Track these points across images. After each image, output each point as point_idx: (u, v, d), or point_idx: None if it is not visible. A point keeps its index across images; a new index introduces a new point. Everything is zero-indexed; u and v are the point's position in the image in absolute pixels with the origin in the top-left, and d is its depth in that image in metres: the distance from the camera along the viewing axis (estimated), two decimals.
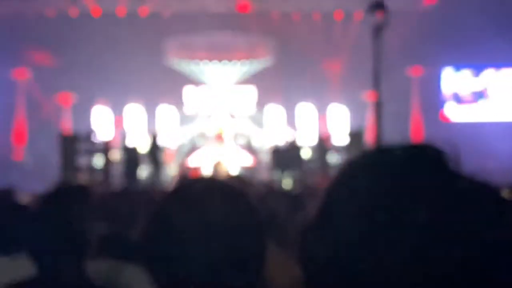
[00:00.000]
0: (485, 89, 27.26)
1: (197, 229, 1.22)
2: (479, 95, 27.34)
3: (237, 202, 1.30)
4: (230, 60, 27.65)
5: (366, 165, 0.84)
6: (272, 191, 7.96)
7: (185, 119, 27.07)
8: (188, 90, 27.80)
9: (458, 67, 26.89)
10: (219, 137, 23.37)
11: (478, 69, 26.94)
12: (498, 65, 26.55)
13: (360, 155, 0.87)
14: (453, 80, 27.19)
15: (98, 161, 17.72)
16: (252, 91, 27.91)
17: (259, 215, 1.32)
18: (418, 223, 0.75)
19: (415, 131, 24.86)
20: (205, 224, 1.23)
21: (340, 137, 19.95)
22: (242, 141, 24.01)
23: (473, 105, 27.20)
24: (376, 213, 0.77)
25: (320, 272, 0.80)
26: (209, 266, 1.21)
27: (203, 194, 1.29)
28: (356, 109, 25.18)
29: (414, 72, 25.55)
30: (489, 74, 27.22)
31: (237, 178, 9.31)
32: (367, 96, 21.96)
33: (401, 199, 0.77)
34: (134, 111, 27.55)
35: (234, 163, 21.13)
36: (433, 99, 26.45)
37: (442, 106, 27.16)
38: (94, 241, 3.34)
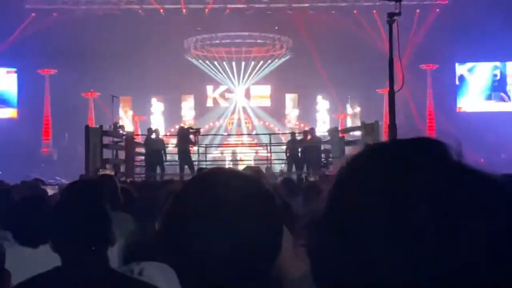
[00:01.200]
0: (499, 81, 27.51)
1: (215, 216, 1.23)
2: (493, 88, 27.60)
3: (254, 190, 1.30)
4: (248, 57, 28.12)
5: (370, 160, 0.83)
6: (286, 180, 7.96)
7: (205, 113, 27.56)
8: (208, 87, 28.34)
9: (471, 61, 27.17)
10: (237, 131, 23.81)
11: (491, 64, 27.23)
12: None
13: (364, 150, 0.86)
14: (467, 73, 27.49)
15: (122, 153, 18.19)
16: (267, 88, 28.40)
17: (276, 203, 1.32)
18: (423, 218, 0.75)
19: (430, 121, 25.11)
20: (223, 211, 1.23)
21: (356, 129, 20.19)
22: (258, 134, 24.34)
23: (487, 96, 27.48)
24: (381, 207, 0.77)
25: (326, 265, 0.80)
26: (228, 251, 1.21)
27: (220, 183, 1.29)
28: (373, 103, 25.40)
29: (429, 66, 25.83)
30: (504, 68, 27.47)
31: (253, 168, 9.18)
32: (383, 90, 22.26)
33: (405, 193, 0.77)
34: (156, 106, 28.17)
35: (251, 155, 21.52)
36: (447, 91, 26.65)
37: (456, 98, 27.49)
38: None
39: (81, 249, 2.25)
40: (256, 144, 21.76)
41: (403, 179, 0.78)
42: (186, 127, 19.68)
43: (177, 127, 22.70)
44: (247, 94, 28.59)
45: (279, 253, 1.29)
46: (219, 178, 1.33)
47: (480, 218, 0.75)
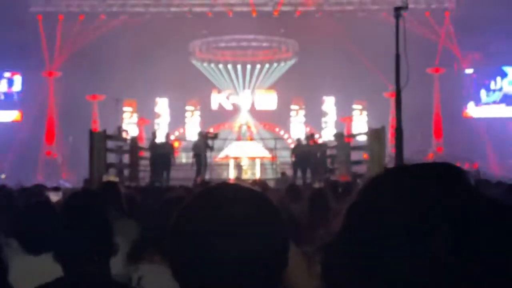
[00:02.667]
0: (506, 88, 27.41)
1: (221, 230, 1.23)
2: (501, 93, 27.48)
3: (260, 205, 1.30)
4: (254, 61, 28.08)
5: (388, 184, 0.83)
6: (291, 187, 7.81)
7: (210, 117, 27.50)
8: (213, 90, 28.30)
9: (480, 67, 27.08)
10: (242, 135, 23.73)
11: (499, 69, 27.10)
12: None
13: (381, 174, 0.87)
14: (475, 78, 27.38)
15: (126, 157, 18.14)
16: (273, 93, 28.31)
17: (282, 217, 1.32)
18: (440, 243, 0.75)
19: (437, 127, 25.03)
20: (229, 226, 1.23)
21: (363, 134, 20.15)
22: (264, 138, 24.29)
23: (495, 102, 27.36)
24: (397, 231, 0.77)
25: (342, 285, 0.81)
26: (233, 266, 1.21)
27: (227, 197, 1.29)
28: (379, 106, 25.34)
29: (437, 70, 25.74)
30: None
31: (259, 182, 9.13)
32: (389, 94, 22.17)
33: (423, 218, 0.77)
34: (161, 109, 28.11)
35: (256, 159, 21.44)
36: (455, 97, 26.56)
37: (464, 103, 27.38)
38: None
39: (83, 260, 2.25)
40: (262, 157, 21.60)
41: (423, 204, 0.79)
42: (204, 132, 19.64)
43: (181, 131, 22.67)
44: (253, 98, 28.52)
45: (286, 267, 1.29)
46: (225, 192, 1.32)
47: (495, 245, 0.76)
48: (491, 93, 27.52)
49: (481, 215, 0.78)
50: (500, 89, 27.41)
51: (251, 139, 23.27)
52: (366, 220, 0.82)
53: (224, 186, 1.37)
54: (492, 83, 27.44)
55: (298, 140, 19.74)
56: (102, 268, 2.28)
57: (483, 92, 27.51)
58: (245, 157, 21.03)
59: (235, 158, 21.51)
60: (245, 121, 26.53)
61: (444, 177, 0.82)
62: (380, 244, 0.78)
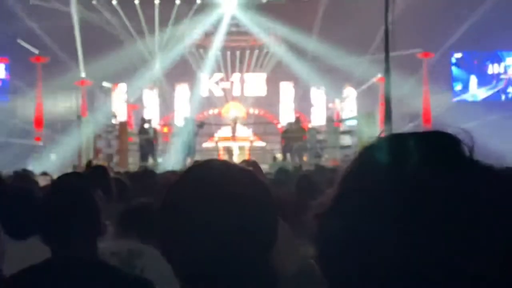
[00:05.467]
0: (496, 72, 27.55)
1: (210, 207, 1.22)
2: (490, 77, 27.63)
3: (248, 181, 1.29)
4: (243, 46, 27.97)
5: (382, 153, 0.82)
6: (280, 171, 8.01)
7: (200, 103, 27.41)
8: (202, 75, 28.19)
9: (469, 51, 27.18)
10: (232, 120, 23.71)
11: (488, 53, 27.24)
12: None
13: (375, 142, 0.85)
14: (463, 63, 27.50)
15: (115, 142, 18.11)
16: (263, 76, 28.27)
17: (270, 194, 1.32)
18: (434, 213, 0.74)
19: (425, 110, 25.06)
20: (218, 202, 1.23)
21: (352, 118, 20.19)
22: (254, 123, 24.33)
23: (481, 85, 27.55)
24: (391, 201, 0.76)
25: (334, 257, 0.80)
26: (223, 241, 1.21)
27: (215, 173, 1.29)
28: (369, 91, 25.37)
29: (425, 54, 25.75)
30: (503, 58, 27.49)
31: (250, 161, 9.25)
32: (379, 79, 22.17)
33: (417, 187, 0.76)
34: (150, 94, 27.99)
35: (245, 144, 21.44)
36: (443, 81, 26.63)
37: (452, 87, 27.51)
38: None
39: (70, 241, 2.24)
40: (251, 140, 21.59)
41: (416, 174, 0.77)
42: (191, 118, 19.65)
43: (171, 116, 22.60)
44: (242, 83, 28.45)
45: (274, 243, 1.29)
46: (213, 169, 1.33)
47: (493, 216, 0.74)
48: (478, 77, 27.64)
49: (478, 185, 0.76)
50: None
51: (241, 124, 23.26)
52: (357, 190, 0.80)
53: (212, 162, 1.38)
54: (481, 66, 27.56)
55: (288, 124, 19.77)
56: (90, 248, 2.27)
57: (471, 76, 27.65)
58: (235, 142, 21.03)
59: (225, 142, 21.52)
60: (234, 106, 26.50)
61: (439, 146, 0.80)
62: (370, 215, 0.77)
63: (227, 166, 1.35)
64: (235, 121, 21.66)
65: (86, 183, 2.69)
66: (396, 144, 0.83)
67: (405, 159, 0.79)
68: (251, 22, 26.45)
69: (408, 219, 0.74)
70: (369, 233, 0.76)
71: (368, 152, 0.84)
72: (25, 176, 6.90)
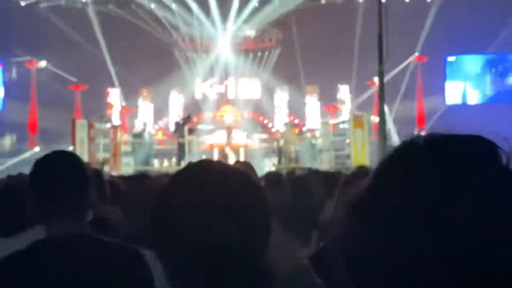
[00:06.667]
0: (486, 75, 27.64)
1: (204, 207, 1.22)
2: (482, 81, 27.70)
3: (242, 181, 1.30)
4: (239, 50, 27.97)
5: (416, 154, 0.80)
6: (273, 174, 7.95)
7: (194, 106, 27.38)
8: (197, 79, 28.17)
9: (461, 54, 27.26)
10: (227, 123, 23.71)
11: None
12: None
13: (408, 142, 0.83)
14: (455, 66, 27.58)
15: (110, 145, 18.09)
16: (257, 81, 28.27)
17: (264, 194, 1.33)
18: (468, 218, 0.73)
19: (420, 113, 25.15)
20: (212, 202, 1.23)
21: (346, 120, 20.23)
22: (248, 126, 24.31)
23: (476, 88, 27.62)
24: (425, 205, 0.75)
25: (364, 265, 0.79)
26: (217, 242, 1.21)
27: (209, 174, 1.29)
28: (362, 93, 25.45)
29: (419, 58, 25.83)
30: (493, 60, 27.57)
31: (244, 163, 9.18)
32: (373, 81, 22.23)
33: (451, 191, 0.74)
34: (144, 98, 27.94)
35: (241, 146, 21.40)
36: (437, 84, 26.70)
37: (445, 90, 27.59)
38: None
39: (61, 219, 2.19)
40: (246, 145, 21.58)
41: (452, 179, 0.76)
42: (182, 121, 19.67)
43: (165, 120, 22.56)
44: (236, 87, 28.46)
45: (268, 243, 1.29)
46: (207, 169, 1.32)
47: None
48: (473, 80, 27.70)
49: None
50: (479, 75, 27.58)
51: (235, 128, 23.27)
52: (389, 192, 0.78)
53: (206, 163, 1.37)
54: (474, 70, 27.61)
55: (282, 128, 19.79)
56: (81, 224, 2.23)
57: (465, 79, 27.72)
58: (229, 146, 21.02)
59: (220, 147, 21.51)
60: (229, 110, 26.50)
61: (475, 150, 0.78)
62: (402, 218, 0.75)
63: (220, 166, 1.35)
64: (230, 128, 21.65)
65: (76, 155, 2.59)
66: (429, 147, 0.80)
67: (439, 163, 0.77)
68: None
69: (441, 225, 0.74)
70: (399, 237, 0.75)
71: (399, 154, 0.82)
72: (17, 178, 6.90)
